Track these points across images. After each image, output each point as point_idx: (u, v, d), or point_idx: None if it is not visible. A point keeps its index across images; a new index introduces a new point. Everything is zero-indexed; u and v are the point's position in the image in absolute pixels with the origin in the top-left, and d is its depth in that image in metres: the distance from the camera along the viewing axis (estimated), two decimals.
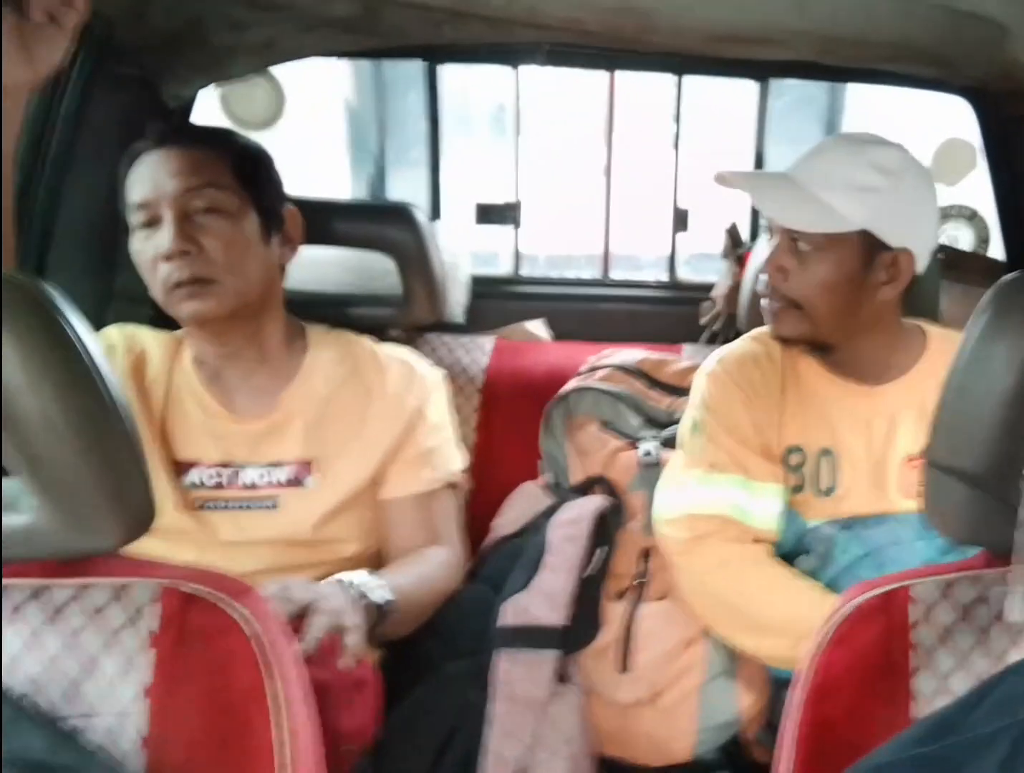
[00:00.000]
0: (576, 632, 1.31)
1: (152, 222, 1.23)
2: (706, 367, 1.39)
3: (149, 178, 1.23)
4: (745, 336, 1.42)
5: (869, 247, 1.23)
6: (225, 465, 1.30)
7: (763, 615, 1.23)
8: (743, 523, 1.27)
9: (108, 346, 1.33)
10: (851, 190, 1.21)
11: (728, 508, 1.27)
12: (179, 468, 1.30)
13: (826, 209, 1.22)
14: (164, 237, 1.21)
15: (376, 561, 1.35)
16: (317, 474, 1.31)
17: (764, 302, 1.32)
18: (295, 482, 1.30)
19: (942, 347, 1.30)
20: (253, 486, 1.30)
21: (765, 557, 1.27)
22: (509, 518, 1.58)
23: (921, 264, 1.26)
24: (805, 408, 1.33)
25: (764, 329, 1.39)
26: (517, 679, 1.23)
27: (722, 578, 1.26)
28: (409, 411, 1.36)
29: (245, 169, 1.28)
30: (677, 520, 1.30)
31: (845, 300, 1.25)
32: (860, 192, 1.21)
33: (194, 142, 1.26)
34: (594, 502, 1.48)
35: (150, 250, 1.23)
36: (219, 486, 1.29)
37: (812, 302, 1.26)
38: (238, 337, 1.31)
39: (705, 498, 1.29)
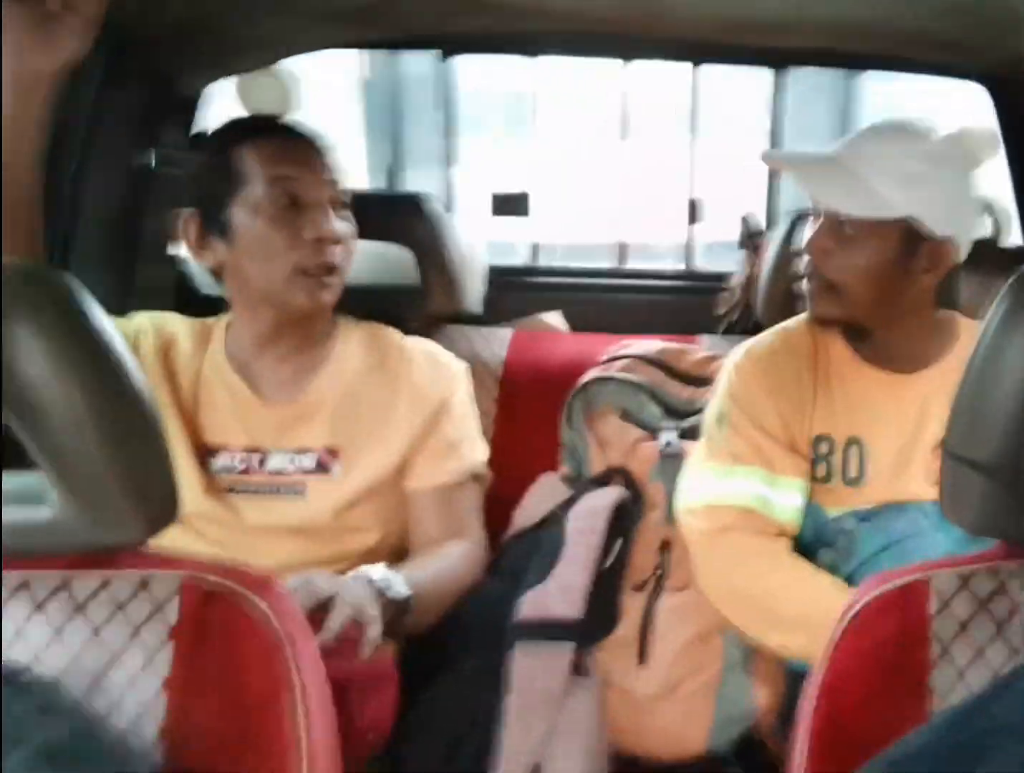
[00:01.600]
0: (593, 625, 1.31)
1: (290, 199, 1.25)
2: (733, 358, 1.39)
3: (294, 159, 1.27)
4: (773, 328, 1.42)
5: (913, 234, 1.23)
6: (253, 450, 1.31)
7: (782, 610, 1.23)
8: (766, 515, 1.27)
9: (137, 331, 1.34)
10: (899, 178, 1.21)
11: (751, 500, 1.27)
12: (207, 452, 1.31)
13: (873, 195, 1.22)
14: (318, 220, 1.25)
15: (397, 551, 1.35)
16: (343, 461, 1.32)
17: (804, 283, 1.32)
18: (321, 469, 1.31)
19: (974, 337, 1.29)
20: (280, 472, 1.31)
21: (786, 552, 1.27)
22: (529, 510, 1.57)
23: (962, 253, 1.26)
24: (834, 398, 1.32)
25: (792, 321, 1.39)
26: (533, 672, 1.23)
27: (743, 572, 1.26)
28: (435, 402, 1.36)
29: (339, 172, 1.33)
30: (699, 510, 1.31)
31: (885, 285, 1.25)
32: (908, 180, 1.21)
33: (314, 139, 1.31)
34: (611, 494, 1.47)
35: (285, 228, 1.25)
36: (247, 471, 1.31)
37: (852, 285, 1.26)
38: (297, 332, 1.33)
39: (728, 490, 1.29)
